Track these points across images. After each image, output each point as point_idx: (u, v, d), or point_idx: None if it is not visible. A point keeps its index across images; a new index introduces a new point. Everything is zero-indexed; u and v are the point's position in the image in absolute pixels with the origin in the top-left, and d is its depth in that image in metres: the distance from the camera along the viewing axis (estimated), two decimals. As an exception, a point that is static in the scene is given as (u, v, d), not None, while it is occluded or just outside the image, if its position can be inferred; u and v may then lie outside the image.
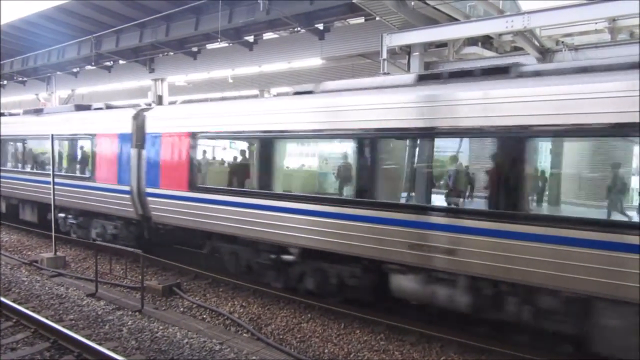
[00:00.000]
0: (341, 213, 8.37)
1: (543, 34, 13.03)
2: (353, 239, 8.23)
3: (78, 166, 13.87)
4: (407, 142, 8.02)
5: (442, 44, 14.31)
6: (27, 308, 8.63)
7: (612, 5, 10.06)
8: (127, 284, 10.82)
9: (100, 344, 7.16)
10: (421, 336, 8.03)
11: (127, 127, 12.18)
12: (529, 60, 12.49)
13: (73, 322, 8.42)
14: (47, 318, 8.11)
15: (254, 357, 7.12)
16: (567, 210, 6.77)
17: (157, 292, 10.16)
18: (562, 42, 13.20)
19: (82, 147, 13.71)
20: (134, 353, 7.21)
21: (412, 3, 12.66)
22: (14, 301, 9.03)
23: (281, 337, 8.26)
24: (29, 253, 13.72)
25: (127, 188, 12.08)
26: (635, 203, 6.08)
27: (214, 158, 11.13)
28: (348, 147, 8.68)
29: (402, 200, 8.07)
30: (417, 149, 7.83)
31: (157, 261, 12.03)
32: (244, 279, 10.42)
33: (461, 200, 7.59)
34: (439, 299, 7.75)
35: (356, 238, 8.19)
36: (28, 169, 15.90)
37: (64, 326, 7.79)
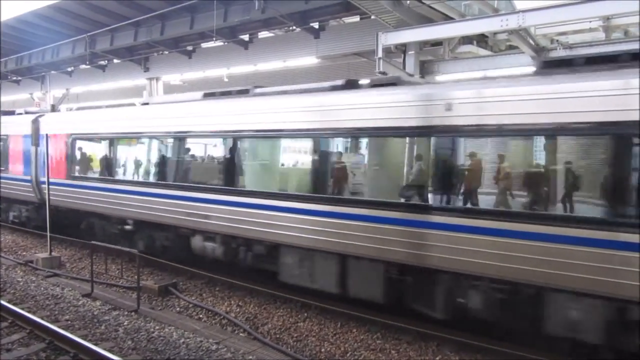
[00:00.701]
0: (155, 192, 11.73)
1: (538, 32, 13.04)
2: (167, 212, 11.42)
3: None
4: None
5: (437, 43, 14.32)
6: (22, 308, 8.62)
7: (606, 4, 10.09)
8: (123, 284, 10.80)
9: (96, 345, 7.16)
10: (417, 335, 8.06)
11: (28, 130, 15.67)
12: (524, 59, 12.54)
13: (69, 322, 8.40)
14: (42, 318, 8.11)
15: (250, 357, 7.13)
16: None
17: (153, 292, 10.15)
18: (557, 40, 13.23)
19: (1, 146, 17.21)
20: (130, 353, 7.21)
21: (408, 2, 12.65)
22: (9, 302, 9.01)
23: (278, 336, 8.27)
24: (24, 253, 13.69)
25: (29, 178, 15.58)
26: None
27: (82, 154, 14.17)
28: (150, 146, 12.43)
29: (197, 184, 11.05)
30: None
31: (153, 261, 12.01)
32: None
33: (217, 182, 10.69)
34: (209, 251, 10.89)
35: (169, 212, 11.39)
36: None
37: (59, 327, 7.78)
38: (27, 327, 7.88)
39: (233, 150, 10.39)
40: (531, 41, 12.39)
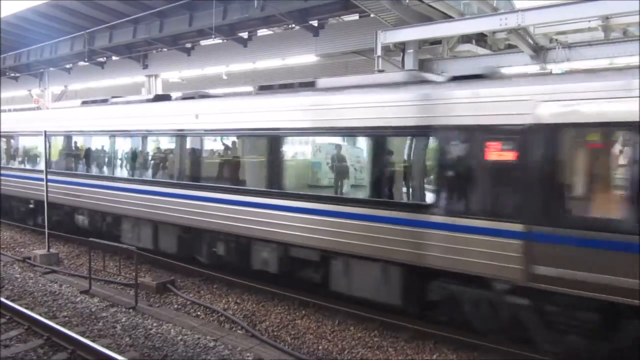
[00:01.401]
0: (58, 179, 13.98)
1: (537, 31, 13.06)
2: (68, 195, 13.79)
3: None
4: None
5: (436, 42, 14.34)
6: (20, 305, 8.59)
7: (605, 4, 10.12)
8: (121, 281, 10.79)
9: (94, 341, 7.15)
10: (415, 333, 8.06)
11: None
12: (523, 58, 12.57)
13: (67, 318, 8.40)
14: (40, 315, 8.09)
15: (248, 354, 7.13)
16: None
17: (151, 289, 10.15)
18: (556, 40, 13.26)
19: None
20: (128, 350, 7.20)
21: (407, 0, 12.68)
22: (7, 298, 8.99)
23: (275, 333, 8.28)
24: (22, 250, 13.67)
25: None
26: None
27: (17, 148, 17.15)
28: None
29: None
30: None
31: (151, 258, 12.00)
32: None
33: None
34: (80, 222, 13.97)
35: (69, 195, 13.78)
36: None
37: (57, 323, 7.77)
38: (25, 324, 7.86)
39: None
40: (530, 40, 12.40)
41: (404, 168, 8.21)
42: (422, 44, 14.00)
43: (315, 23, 16.74)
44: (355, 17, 16.33)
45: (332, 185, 9.05)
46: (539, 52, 12.42)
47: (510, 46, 14.20)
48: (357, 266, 8.32)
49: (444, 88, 7.69)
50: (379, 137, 8.13)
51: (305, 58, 18.14)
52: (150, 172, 12.16)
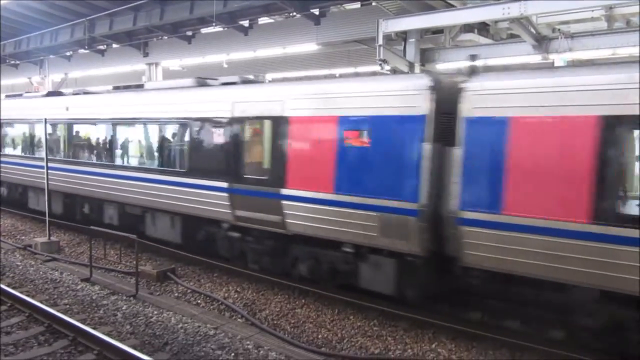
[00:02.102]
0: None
1: (540, 21, 12.96)
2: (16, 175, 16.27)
3: None
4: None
5: (438, 31, 14.24)
6: (21, 292, 8.64)
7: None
8: (122, 269, 10.85)
9: (94, 328, 7.21)
10: (414, 322, 8.11)
11: None
12: (526, 48, 12.49)
13: (67, 306, 8.45)
14: (41, 302, 8.14)
15: (248, 342, 7.17)
16: None
17: (151, 277, 10.19)
18: (559, 29, 13.16)
19: None
20: (128, 337, 7.25)
21: (409, -11, 12.58)
22: (8, 285, 9.04)
23: (275, 322, 8.33)
24: (23, 238, 13.71)
25: None
26: None
27: None
28: None
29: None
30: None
31: (152, 246, 12.04)
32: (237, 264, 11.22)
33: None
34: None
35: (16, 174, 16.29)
36: None
37: (58, 310, 7.82)
38: (26, 311, 7.92)
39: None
40: (533, 30, 12.31)
41: (179, 147, 11.30)
42: (423, 33, 13.89)
43: (316, 11, 16.60)
44: (357, 5, 16.20)
45: (145, 158, 12.29)
46: (542, 42, 12.33)
47: (512, 36, 14.11)
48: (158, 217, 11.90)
49: (201, 90, 11.09)
50: (165, 125, 11.57)
51: (306, 47, 18.03)
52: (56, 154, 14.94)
